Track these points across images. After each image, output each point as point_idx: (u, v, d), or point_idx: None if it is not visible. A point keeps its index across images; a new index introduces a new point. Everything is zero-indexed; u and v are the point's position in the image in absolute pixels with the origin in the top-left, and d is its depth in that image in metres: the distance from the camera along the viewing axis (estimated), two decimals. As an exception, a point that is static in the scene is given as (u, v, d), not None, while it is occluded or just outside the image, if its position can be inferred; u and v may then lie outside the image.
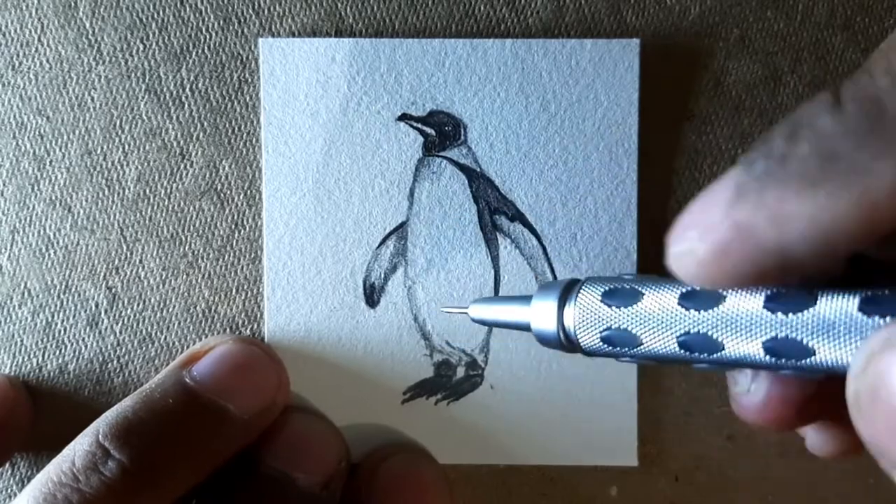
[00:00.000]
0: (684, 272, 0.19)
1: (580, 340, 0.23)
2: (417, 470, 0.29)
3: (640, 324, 0.22)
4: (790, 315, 0.19)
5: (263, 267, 0.29)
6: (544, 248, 0.29)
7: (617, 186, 0.29)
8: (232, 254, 0.30)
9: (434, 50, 0.29)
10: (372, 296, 0.29)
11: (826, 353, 0.19)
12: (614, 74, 0.29)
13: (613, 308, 0.22)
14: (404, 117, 0.29)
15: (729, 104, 0.29)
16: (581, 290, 0.23)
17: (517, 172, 0.29)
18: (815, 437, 0.25)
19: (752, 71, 0.29)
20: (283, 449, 0.27)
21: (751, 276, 0.18)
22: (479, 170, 0.29)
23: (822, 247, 0.17)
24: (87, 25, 0.29)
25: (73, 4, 0.29)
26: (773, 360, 0.20)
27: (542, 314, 0.24)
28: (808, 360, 0.19)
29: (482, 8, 0.29)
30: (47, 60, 0.29)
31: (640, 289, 0.22)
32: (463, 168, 0.29)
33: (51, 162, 0.29)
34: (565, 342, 0.23)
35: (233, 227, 0.30)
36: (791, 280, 0.19)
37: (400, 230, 0.29)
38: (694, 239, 0.18)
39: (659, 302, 0.21)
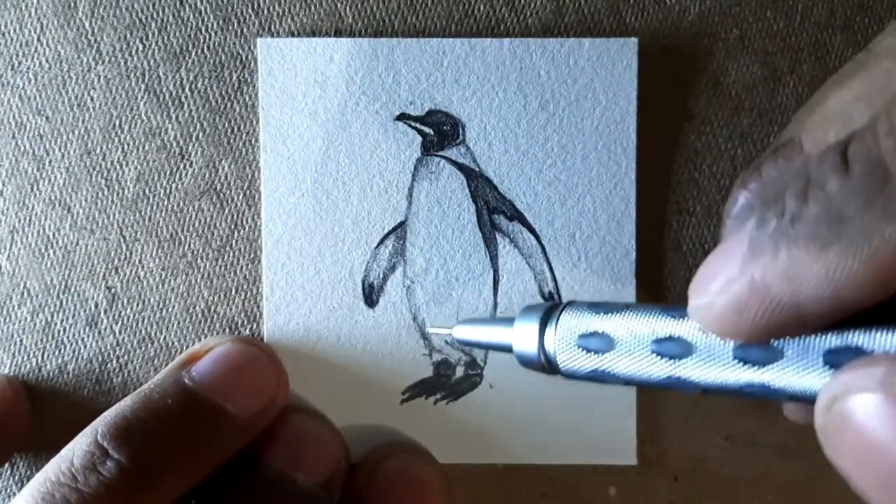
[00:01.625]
0: (705, 324, 0.20)
1: (558, 357, 0.23)
2: (417, 470, 0.29)
3: (618, 328, 0.22)
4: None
5: (262, 267, 0.29)
6: (543, 248, 0.29)
7: (615, 186, 0.29)
8: (231, 254, 0.30)
9: (432, 49, 0.29)
10: (371, 295, 0.29)
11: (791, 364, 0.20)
12: (613, 74, 0.29)
13: (595, 315, 0.23)
14: (403, 117, 0.29)
15: (728, 104, 0.29)
16: (564, 311, 0.23)
17: (516, 172, 0.29)
18: (791, 406, 0.25)
19: (752, 71, 0.29)
20: (282, 449, 0.27)
21: (767, 330, 0.19)
22: (477, 169, 0.29)
23: (835, 303, 0.18)
24: (87, 25, 0.29)
25: (72, 4, 0.29)
26: (743, 369, 0.20)
27: (523, 336, 0.24)
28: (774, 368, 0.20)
29: (481, 8, 0.29)
30: (46, 60, 0.29)
31: (623, 305, 0.22)
32: (461, 167, 0.29)
33: (50, 162, 0.29)
34: (546, 365, 0.24)
35: (232, 227, 0.30)
36: (807, 332, 0.19)
37: (399, 230, 0.29)
38: (712, 294, 0.19)
39: (640, 312, 0.22)
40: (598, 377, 0.23)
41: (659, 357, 0.21)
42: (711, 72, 0.29)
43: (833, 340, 0.19)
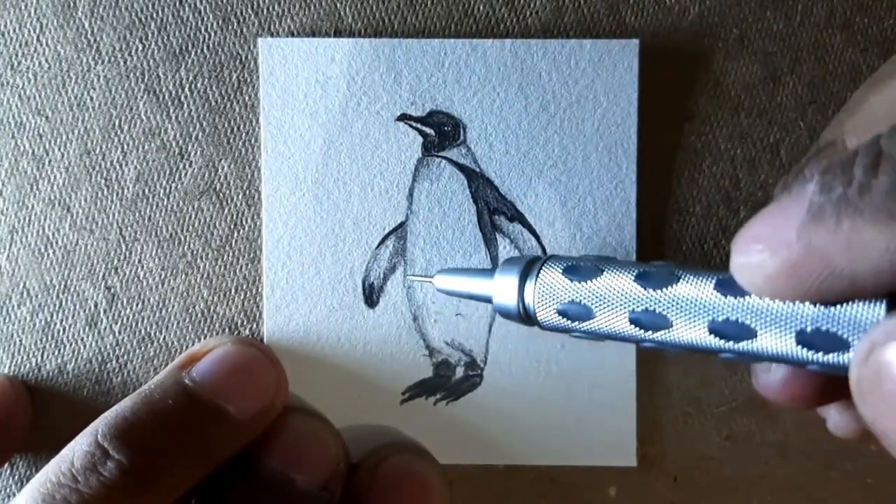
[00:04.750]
0: (749, 283, 0.20)
1: (538, 313, 0.24)
2: (417, 470, 0.29)
3: (596, 299, 0.23)
4: (738, 298, 0.20)
5: (262, 267, 0.29)
6: (543, 249, 0.29)
7: (616, 187, 0.29)
8: (231, 254, 0.30)
9: (433, 50, 0.29)
10: (371, 296, 0.29)
11: (767, 339, 0.20)
12: (614, 75, 0.29)
13: (573, 282, 0.23)
14: (403, 117, 0.29)
15: (728, 104, 0.29)
16: (544, 266, 0.24)
17: (516, 172, 0.29)
18: (836, 418, 0.25)
19: (752, 71, 0.29)
20: (282, 450, 0.27)
21: (818, 294, 0.19)
22: (478, 170, 0.29)
23: (892, 275, 0.17)
24: (86, 25, 0.29)
25: (71, 4, 0.29)
26: (718, 341, 0.21)
27: (503, 288, 0.25)
28: (750, 342, 0.20)
29: (481, 8, 0.29)
30: (46, 60, 0.29)
31: (600, 266, 0.23)
32: (462, 168, 0.29)
33: (50, 162, 0.29)
34: (524, 315, 0.25)
35: (232, 227, 0.30)
36: (856, 300, 0.19)
37: (399, 230, 0.29)
38: (763, 253, 0.19)
39: (616, 279, 0.23)
40: (577, 335, 0.24)
41: (636, 326, 0.22)
42: (711, 72, 0.29)
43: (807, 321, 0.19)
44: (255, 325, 0.30)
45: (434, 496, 0.28)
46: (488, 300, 0.26)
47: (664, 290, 0.22)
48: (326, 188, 0.29)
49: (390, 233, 0.29)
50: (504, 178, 0.29)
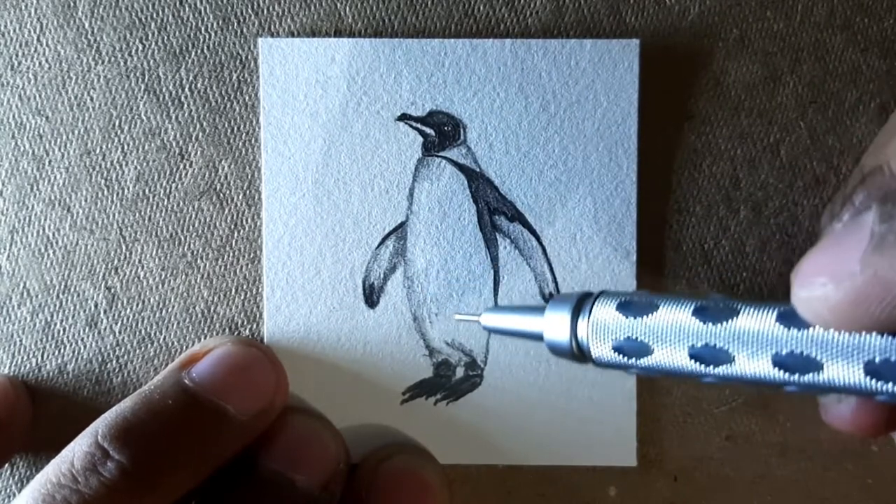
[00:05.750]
0: (814, 316, 0.20)
1: (592, 351, 0.23)
2: (417, 470, 0.29)
3: (654, 334, 0.22)
4: (802, 331, 0.20)
5: (263, 267, 0.29)
6: (544, 249, 0.29)
7: (616, 187, 0.29)
8: (231, 254, 0.30)
9: (433, 50, 0.29)
10: (371, 296, 0.29)
11: (834, 370, 0.19)
12: (614, 75, 0.29)
13: (629, 318, 0.22)
14: (404, 117, 0.29)
15: (728, 104, 0.29)
16: (597, 301, 0.23)
17: (517, 173, 0.29)
18: (847, 413, 0.25)
19: (752, 71, 0.29)
20: (282, 450, 0.27)
21: (884, 324, 0.18)
22: (478, 170, 0.29)
23: None
24: (86, 25, 0.29)
25: (71, 4, 0.29)
26: (783, 374, 0.20)
27: (555, 324, 0.24)
28: (816, 374, 0.20)
29: (481, 8, 0.29)
30: (46, 60, 0.29)
31: (655, 301, 0.22)
32: (462, 168, 0.29)
33: (50, 162, 0.29)
34: (577, 352, 0.24)
35: (232, 227, 0.30)
36: None
37: (399, 230, 0.29)
38: (827, 285, 0.19)
39: (674, 313, 0.22)
40: (634, 372, 0.23)
41: (696, 361, 0.22)
42: (711, 72, 0.29)
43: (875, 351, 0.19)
44: (255, 326, 0.30)
45: (434, 496, 0.28)
46: (539, 338, 0.25)
47: (724, 323, 0.21)
48: (326, 188, 0.29)
49: (390, 233, 0.29)
50: (504, 178, 0.29)
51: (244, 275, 0.30)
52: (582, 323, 0.23)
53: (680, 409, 0.30)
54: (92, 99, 0.29)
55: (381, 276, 0.29)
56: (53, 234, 0.30)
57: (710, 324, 0.21)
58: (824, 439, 0.30)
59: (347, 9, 0.29)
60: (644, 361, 0.23)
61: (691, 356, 0.22)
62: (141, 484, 0.24)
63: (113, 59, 0.29)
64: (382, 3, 0.29)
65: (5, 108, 0.29)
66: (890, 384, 0.19)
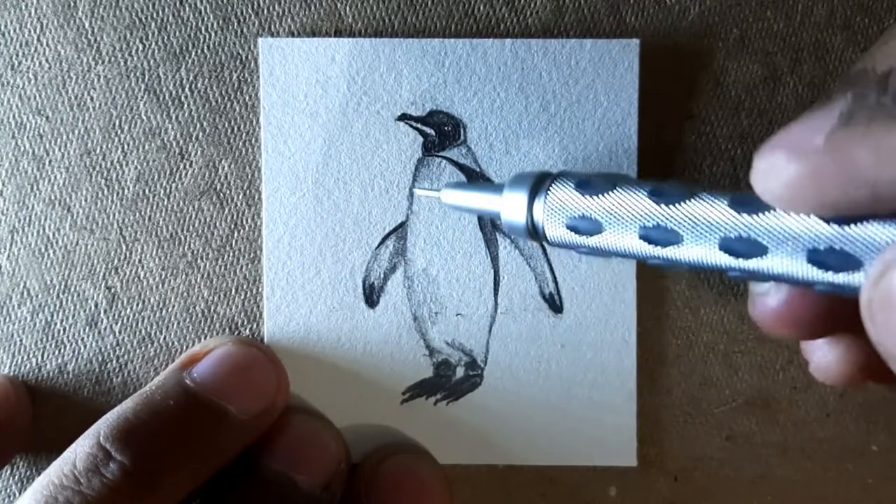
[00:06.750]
0: (768, 190, 0.19)
1: (546, 228, 0.24)
2: (417, 470, 0.29)
3: (607, 212, 0.22)
4: (752, 216, 0.20)
5: (263, 267, 0.29)
6: (544, 249, 0.29)
7: (617, 187, 0.29)
8: (231, 254, 0.30)
9: (434, 50, 0.29)
10: (371, 296, 0.29)
11: (778, 255, 0.20)
12: (614, 75, 0.29)
13: (585, 196, 0.23)
14: (404, 117, 0.29)
15: (728, 104, 0.29)
16: (555, 181, 0.24)
17: (517, 172, 0.29)
18: (822, 358, 0.24)
19: (752, 71, 0.29)
20: (283, 450, 0.27)
21: (837, 206, 0.18)
22: (478, 170, 0.29)
23: None
24: (87, 25, 0.29)
25: (72, 4, 0.29)
26: (728, 258, 0.20)
27: (512, 203, 0.25)
28: (759, 259, 0.20)
29: (482, 8, 0.29)
30: (46, 60, 0.29)
31: (613, 182, 0.23)
32: (463, 168, 0.29)
33: (50, 162, 0.29)
34: (532, 230, 0.24)
35: (232, 227, 0.30)
36: (874, 215, 0.18)
37: (399, 230, 0.29)
38: (787, 158, 0.18)
39: (629, 194, 0.22)
40: (583, 252, 0.24)
41: (646, 242, 0.22)
42: (711, 72, 0.29)
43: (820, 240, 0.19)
44: (255, 325, 0.30)
45: (434, 496, 0.28)
46: (496, 216, 0.25)
47: (678, 205, 0.21)
48: (327, 188, 0.29)
49: (390, 233, 0.29)
50: (504, 177, 0.29)
51: (244, 275, 0.30)
52: (538, 203, 0.24)
53: (680, 409, 0.30)
54: (92, 99, 0.29)
55: (381, 275, 0.29)
56: (53, 234, 0.30)
57: (664, 205, 0.21)
58: (824, 439, 0.30)
59: (347, 9, 0.29)
60: (594, 241, 0.23)
61: (641, 237, 0.22)
62: (143, 484, 0.24)
63: (113, 59, 0.29)
64: (382, 3, 0.29)
65: (5, 108, 0.29)
66: (831, 273, 0.19)
